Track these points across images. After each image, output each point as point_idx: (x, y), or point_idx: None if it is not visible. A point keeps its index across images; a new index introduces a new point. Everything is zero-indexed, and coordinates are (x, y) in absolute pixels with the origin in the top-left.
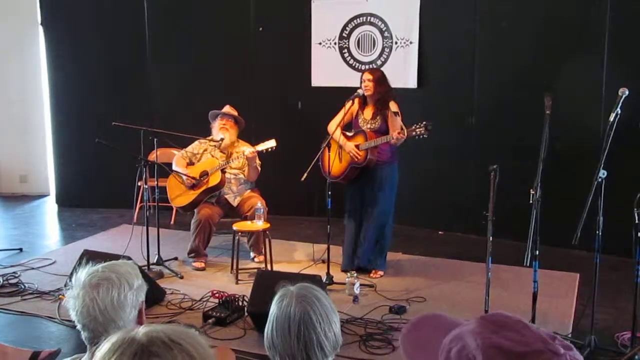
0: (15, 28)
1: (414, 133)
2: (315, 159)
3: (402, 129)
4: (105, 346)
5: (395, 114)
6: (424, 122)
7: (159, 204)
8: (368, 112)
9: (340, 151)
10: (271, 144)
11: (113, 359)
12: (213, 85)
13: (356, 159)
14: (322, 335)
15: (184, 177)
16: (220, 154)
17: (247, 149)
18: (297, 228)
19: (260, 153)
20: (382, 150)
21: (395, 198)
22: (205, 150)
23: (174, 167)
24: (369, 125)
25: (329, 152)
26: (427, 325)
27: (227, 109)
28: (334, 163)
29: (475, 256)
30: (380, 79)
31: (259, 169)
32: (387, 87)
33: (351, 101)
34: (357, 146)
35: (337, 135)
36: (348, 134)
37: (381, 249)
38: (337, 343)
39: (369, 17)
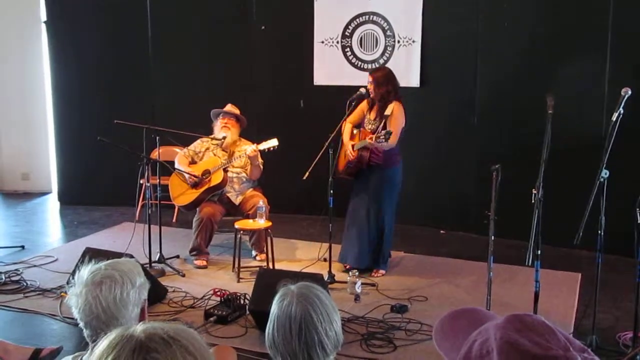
0: (18, 25)
1: (377, 141)
2: (318, 158)
3: (374, 135)
4: (103, 343)
5: (386, 117)
6: (384, 131)
7: (161, 202)
8: (373, 112)
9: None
10: (273, 142)
11: (112, 356)
12: (215, 84)
13: (349, 158)
14: (323, 335)
15: (186, 176)
16: (222, 153)
17: (249, 148)
18: (298, 226)
19: (262, 152)
20: (376, 151)
21: (396, 198)
22: (208, 148)
23: (176, 166)
24: (370, 125)
25: (330, 150)
26: (464, 318)
27: (228, 107)
28: (340, 159)
29: (477, 255)
30: (379, 80)
31: (261, 167)
32: (387, 88)
33: (354, 102)
34: (352, 145)
35: (346, 132)
36: (354, 131)
37: (382, 248)
38: (338, 342)
39: (371, 16)
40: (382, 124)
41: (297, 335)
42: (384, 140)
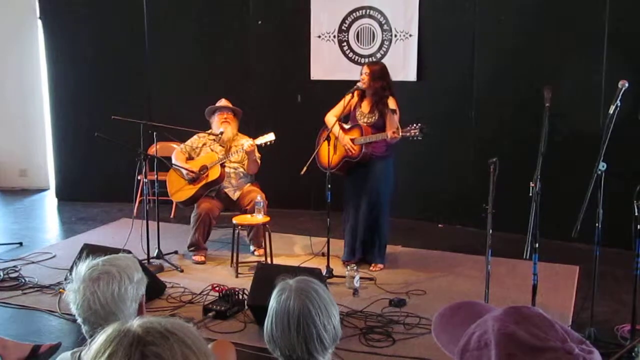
0: (13, 21)
1: (408, 134)
2: (315, 152)
3: (397, 128)
4: (100, 338)
5: (393, 111)
6: (419, 124)
7: (159, 197)
8: (365, 105)
9: (336, 143)
10: (270, 137)
11: (109, 350)
12: (212, 79)
13: (350, 153)
14: (322, 328)
15: (184, 172)
16: (220, 148)
17: (246, 143)
18: (296, 221)
19: (259, 146)
20: (377, 145)
21: (392, 191)
22: (205, 144)
23: (174, 162)
24: (365, 119)
25: (328, 145)
26: (462, 311)
27: (223, 102)
28: (330, 154)
29: (475, 249)
30: (376, 74)
31: (259, 162)
32: (383, 83)
33: (351, 94)
34: (352, 140)
35: (335, 127)
36: (345, 126)
37: (380, 242)
38: (336, 336)
39: (368, 10)
40: (385, 118)
41: (295, 329)
42: (419, 134)
